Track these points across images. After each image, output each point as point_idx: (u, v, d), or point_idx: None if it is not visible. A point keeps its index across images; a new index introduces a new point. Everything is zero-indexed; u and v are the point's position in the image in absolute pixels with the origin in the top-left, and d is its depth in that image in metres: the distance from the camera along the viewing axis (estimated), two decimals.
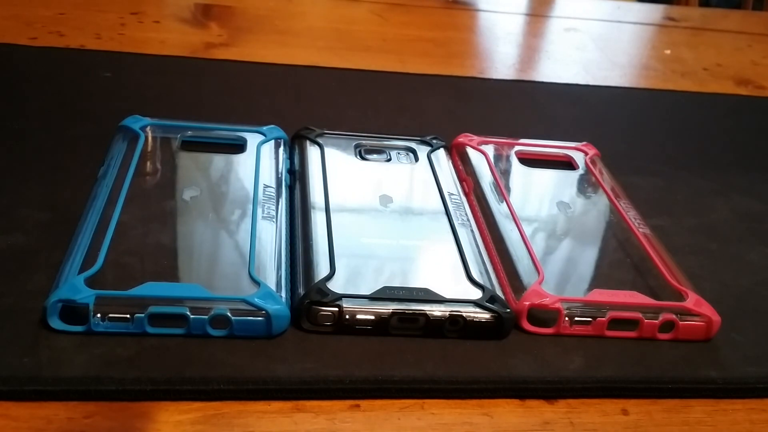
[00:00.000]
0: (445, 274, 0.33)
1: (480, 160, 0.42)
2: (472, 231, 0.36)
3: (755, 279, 0.38)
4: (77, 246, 0.31)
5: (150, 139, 0.40)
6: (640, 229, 0.38)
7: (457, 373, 0.29)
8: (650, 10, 0.88)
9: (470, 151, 0.43)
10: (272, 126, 0.42)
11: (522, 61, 0.67)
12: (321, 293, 0.30)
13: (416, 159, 0.42)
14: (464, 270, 0.33)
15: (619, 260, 0.37)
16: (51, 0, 0.63)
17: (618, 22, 0.81)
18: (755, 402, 0.30)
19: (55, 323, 0.28)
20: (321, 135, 0.42)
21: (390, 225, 0.36)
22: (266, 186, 0.37)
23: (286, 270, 0.32)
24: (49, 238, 0.33)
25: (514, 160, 0.44)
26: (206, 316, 0.29)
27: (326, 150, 0.41)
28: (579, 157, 0.45)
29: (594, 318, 0.32)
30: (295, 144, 0.42)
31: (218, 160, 0.39)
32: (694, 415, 0.29)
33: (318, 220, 0.35)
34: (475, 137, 0.45)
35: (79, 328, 0.28)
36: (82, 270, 0.29)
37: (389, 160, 0.42)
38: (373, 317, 0.30)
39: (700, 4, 1.26)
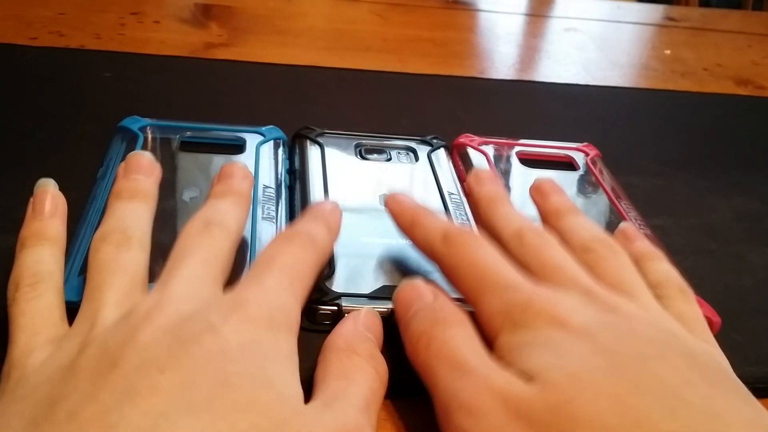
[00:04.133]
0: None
1: (480, 161, 0.42)
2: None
3: (755, 279, 0.38)
4: (77, 247, 0.31)
5: (149, 139, 0.40)
6: (641, 230, 0.38)
7: None
8: (650, 10, 0.88)
9: (471, 152, 0.43)
10: (271, 126, 0.42)
11: (522, 61, 0.67)
12: (320, 292, 0.30)
13: (416, 159, 0.42)
14: None
15: None
16: (51, 0, 0.63)
17: (618, 22, 0.81)
18: None
19: None
20: (321, 135, 0.42)
21: (390, 224, 0.36)
22: (266, 187, 0.37)
23: None
24: None
25: (515, 161, 0.44)
26: None
27: (326, 149, 0.41)
28: (580, 158, 0.45)
29: None
30: (295, 143, 0.42)
31: (218, 160, 0.39)
32: None
33: None
34: (475, 137, 0.45)
35: None
36: (82, 271, 0.29)
37: (389, 159, 0.42)
38: None
39: (700, 4, 1.26)
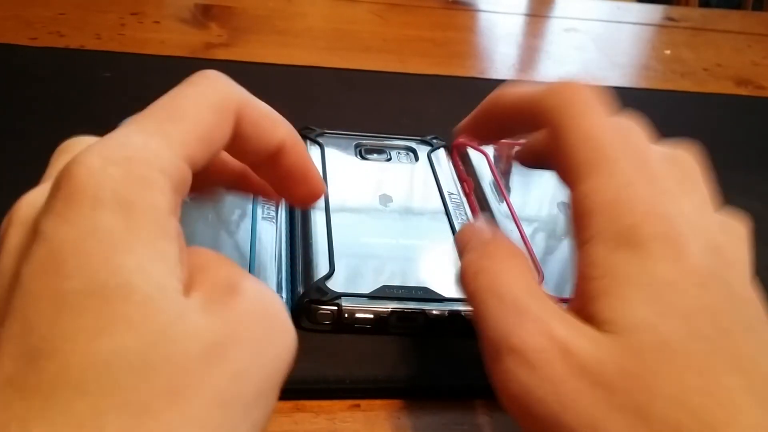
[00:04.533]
0: (444, 273, 0.33)
1: (480, 161, 0.42)
2: None
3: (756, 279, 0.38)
4: None
5: None
6: None
7: (457, 373, 0.29)
8: (650, 11, 0.88)
9: (471, 152, 0.43)
10: None
11: (522, 61, 0.67)
12: (320, 292, 0.30)
13: (416, 159, 0.42)
14: None
15: None
16: (51, 0, 0.63)
17: (618, 23, 0.81)
18: None
19: None
20: (321, 134, 0.42)
21: (389, 224, 0.36)
22: None
23: (286, 271, 0.32)
24: None
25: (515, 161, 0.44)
26: None
27: (326, 149, 0.41)
28: None
29: None
30: None
31: None
32: None
33: (318, 219, 0.35)
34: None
35: None
36: None
37: (389, 159, 0.42)
38: (372, 316, 0.30)
39: (700, 4, 1.26)
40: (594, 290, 0.21)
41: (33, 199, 0.19)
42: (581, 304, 0.21)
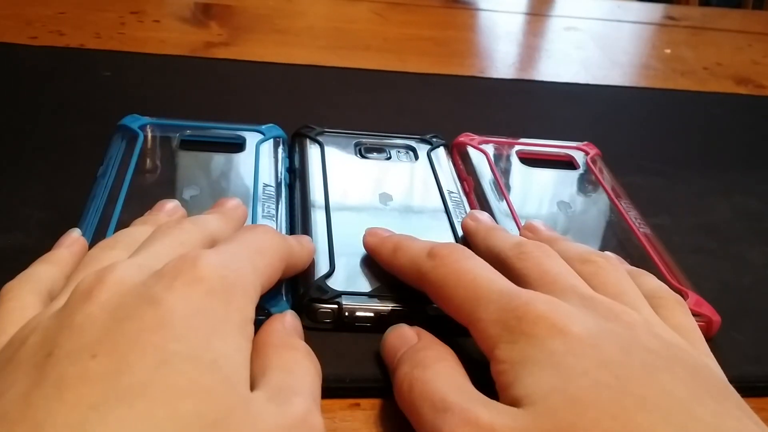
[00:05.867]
0: None
1: (481, 160, 0.42)
2: None
3: (756, 278, 0.38)
4: None
5: (149, 138, 0.40)
6: (641, 229, 0.38)
7: None
8: (650, 9, 0.88)
9: (471, 151, 0.43)
10: (271, 125, 0.42)
11: (522, 60, 0.67)
12: (320, 290, 0.30)
13: (416, 157, 0.42)
14: None
15: None
16: None
17: (618, 21, 0.81)
18: (755, 401, 0.30)
19: None
20: (321, 133, 0.42)
21: (390, 223, 0.36)
22: (266, 185, 0.37)
23: None
24: (49, 238, 0.33)
25: (515, 160, 0.44)
26: None
27: (326, 148, 0.41)
28: (580, 157, 0.45)
29: None
30: (295, 142, 0.42)
31: (217, 159, 0.39)
32: None
33: (318, 217, 0.35)
34: (476, 137, 0.45)
35: None
36: None
37: (389, 158, 0.42)
38: (372, 314, 0.30)
39: (700, 3, 1.26)
40: (507, 381, 0.23)
41: (137, 270, 0.23)
42: (503, 398, 0.23)
